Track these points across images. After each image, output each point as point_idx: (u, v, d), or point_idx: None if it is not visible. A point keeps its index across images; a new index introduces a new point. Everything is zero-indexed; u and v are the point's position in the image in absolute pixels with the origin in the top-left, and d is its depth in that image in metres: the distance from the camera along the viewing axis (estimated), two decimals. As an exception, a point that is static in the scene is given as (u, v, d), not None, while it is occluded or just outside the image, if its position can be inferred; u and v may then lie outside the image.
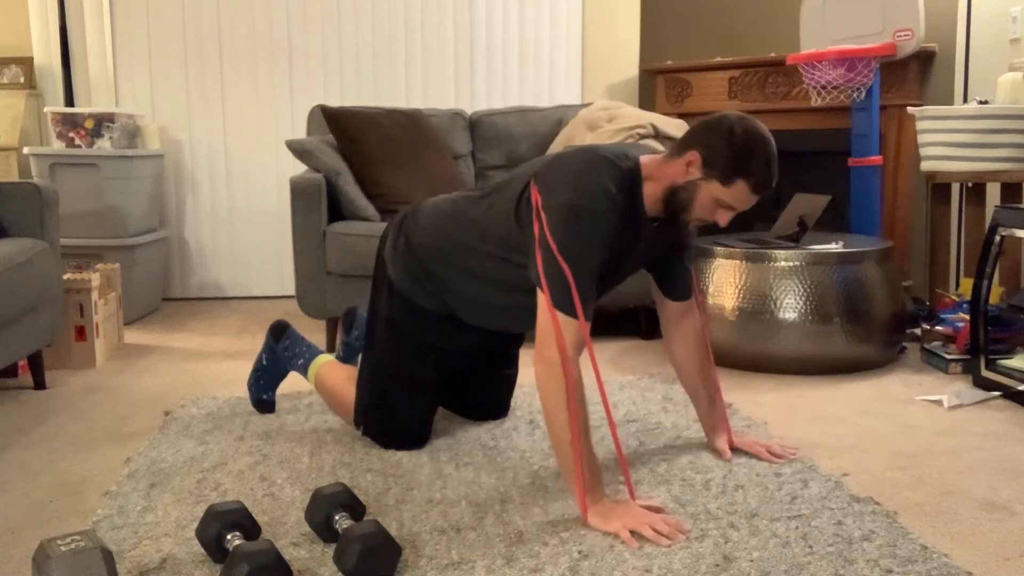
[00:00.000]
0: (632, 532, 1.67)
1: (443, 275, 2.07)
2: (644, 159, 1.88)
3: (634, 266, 2.03)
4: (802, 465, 2.06)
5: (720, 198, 1.82)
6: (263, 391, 2.48)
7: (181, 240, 4.40)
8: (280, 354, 2.45)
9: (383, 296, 2.18)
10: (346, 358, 2.57)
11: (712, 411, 2.17)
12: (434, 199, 2.17)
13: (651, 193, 1.87)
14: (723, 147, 1.77)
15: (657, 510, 1.77)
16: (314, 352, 2.42)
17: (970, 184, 3.35)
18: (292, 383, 2.77)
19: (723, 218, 1.86)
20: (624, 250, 1.90)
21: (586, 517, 1.73)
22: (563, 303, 1.75)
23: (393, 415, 2.19)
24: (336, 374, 2.35)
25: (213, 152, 4.37)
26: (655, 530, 1.67)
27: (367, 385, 2.20)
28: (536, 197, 1.83)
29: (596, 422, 2.38)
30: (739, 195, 1.81)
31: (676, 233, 1.97)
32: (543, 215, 1.80)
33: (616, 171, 1.83)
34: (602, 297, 1.96)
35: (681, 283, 2.10)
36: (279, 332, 2.46)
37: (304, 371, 2.40)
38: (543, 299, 1.78)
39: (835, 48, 3.54)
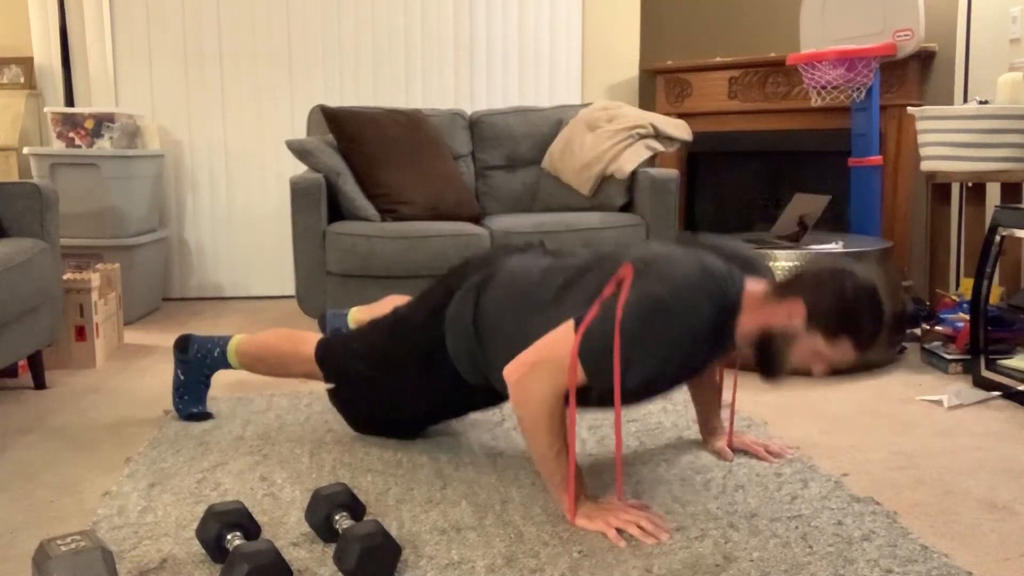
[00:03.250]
0: (619, 530, 1.69)
1: (499, 359, 1.92)
2: (748, 287, 1.78)
3: (692, 376, 1.94)
4: (802, 465, 2.06)
5: (821, 352, 1.70)
6: (192, 405, 2.43)
7: (181, 240, 4.40)
8: (194, 360, 2.39)
9: (426, 337, 2.08)
10: None
11: (712, 415, 2.17)
12: (510, 267, 2.03)
13: (746, 327, 1.76)
14: (831, 303, 1.66)
15: (642, 508, 1.77)
16: (225, 338, 2.39)
17: (970, 184, 3.35)
18: (293, 383, 2.77)
19: (819, 370, 1.74)
20: (695, 367, 1.84)
21: (573, 519, 1.75)
22: (590, 360, 1.68)
23: (387, 429, 2.24)
24: (257, 338, 2.34)
25: (213, 152, 4.36)
26: (640, 527, 1.69)
27: (366, 395, 2.20)
28: (627, 273, 1.72)
29: (597, 422, 2.38)
30: (842, 351, 1.69)
31: (767, 375, 1.81)
32: (625, 288, 1.69)
33: (720, 297, 1.72)
34: (649, 401, 1.88)
35: None
36: (184, 343, 2.40)
37: (224, 357, 2.36)
38: (563, 336, 1.72)
39: (835, 48, 3.54)
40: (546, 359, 1.74)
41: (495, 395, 2.10)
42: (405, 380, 2.12)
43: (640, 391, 1.79)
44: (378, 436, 2.28)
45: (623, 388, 1.70)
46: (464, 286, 2.05)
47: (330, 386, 2.24)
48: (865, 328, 1.68)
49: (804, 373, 2.81)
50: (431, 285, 2.17)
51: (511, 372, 1.78)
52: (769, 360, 1.76)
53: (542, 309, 1.86)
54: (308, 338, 2.28)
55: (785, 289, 1.73)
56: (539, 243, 2.21)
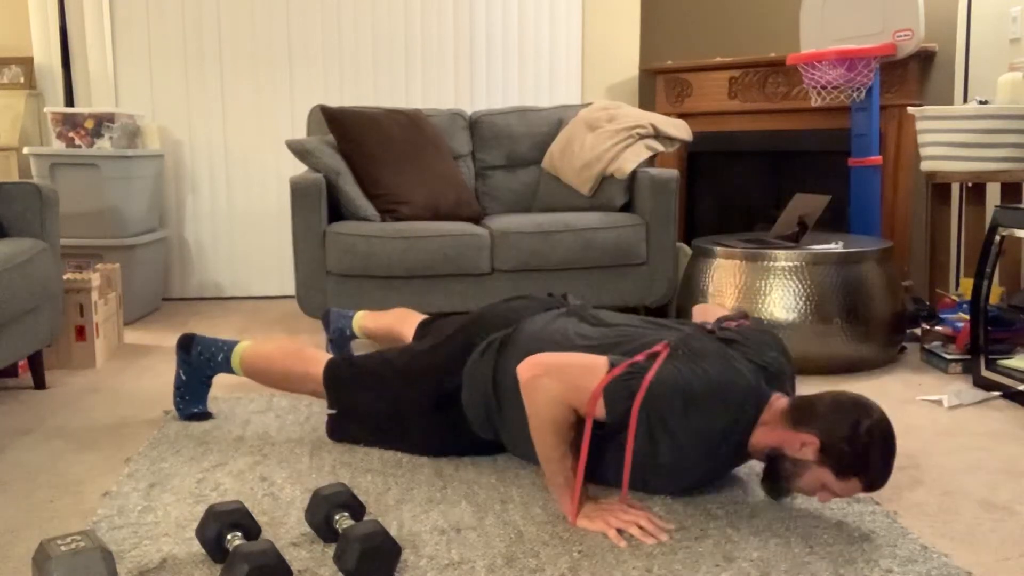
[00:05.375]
0: (619, 531, 1.69)
1: (513, 413, 1.95)
2: (770, 402, 1.79)
3: (700, 481, 1.94)
4: (802, 465, 2.06)
5: (828, 485, 1.71)
6: (192, 406, 2.43)
7: (181, 240, 4.40)
8: (196, 361, 2.39)
9: (441, 386, 2.08)
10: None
11: None
12: (536, 328, 2.03)
13: (759, 440, 1.77)
14: (844, 442, 1.67)
15: (642, 509, 1.78)
16: (231, 343, 2.38)
17: (970, 184, 3.35)
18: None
19: (824, 499, 1.74)
20: (709, 469, 1.85)
21: (575, 519, 1.75)
22: (613, 398, 1.72)
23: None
24: (263, 350, 2.34)
25: (213, 152, 4.36)
26: (640, 527, 1.69)
27: (370, 430, 2.19)
28: (663, 350, 1.77)
29: (596, 422, 2.38)
30: (850, 488, 1.70)
31: (771, 491, 1.85)
32: (657, 361, 1.74)
33: (739, 413, 1.75)
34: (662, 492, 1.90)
35: None
36: (188, 343, 2.40)
37: (228, 363, 2.36)
38: (592, 363, 1.76)
39: (835, 48, 3.54)
40: (566, 368, 1.76)
41: (499, 446, 2.11)
42: (412, 422, 2.13)
43: (668, 476, 1.82)
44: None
45: (655, 463, 1.74)
46: (485, 341, 2.06)
47: (332, 412, 2.23)
48: (875, 469, 1.69)
49: (809, 371, 2.83)
50: (450, 332, 2.17)
51: (525, 369, 1.78)
52: (776, 479, 1.78)
53: None
54: (316, 358, 2.26)
55: (801, 417, 1.73)
56: (562, 297, 2.22)
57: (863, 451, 1.67)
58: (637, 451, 1.74)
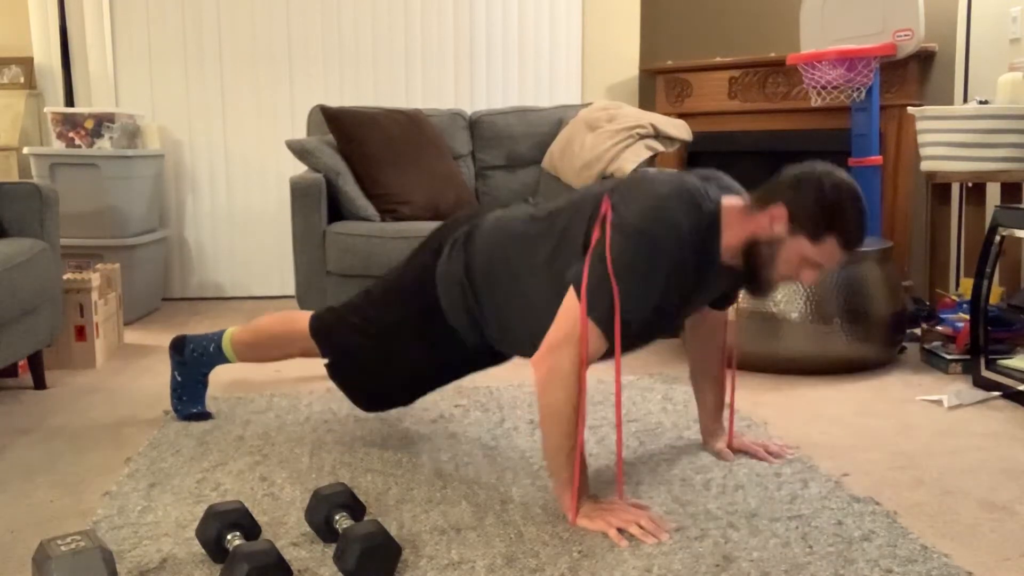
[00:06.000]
0: (619, 530, 1.69)
1: (491, 302, 1.95)
2: (726, 202, 1.77)
3: (694, 309, 1.94)
4: (802, 465, 2.06)
5: (808, 255, 1.71)
6: (190, 406, 2.43)
7: (181, 240, 4.40)
8: (191, 359, 2.39)
9: (420, 299, 2.06)
10: None
11: (714, 416, 2.17)
12: (495, 217, 2.02)
13: (730, 242, 1.76)
14: (811, 202, 1.68)
15: (642, 508, 1.77)
16: (219, 332, 2.38)
17: (970, 184, 3.35)
18: (293, 383, 2.77)
19: (808, 276, 1.74)
20: (688, 293, 1.81)
21: (575, 518, 1.74)
22: (600, 314, 1.68)
23: (388, 399, 2.21)
24: (249, 325, 2.35)
25: (213, 152, 4.37)
26: (640, 527, 1.69)
27: (365, 366, 2.15)
28: (607, 209, 1.73)
29: (597, 422, 2.38)
30: (828, 252, 1.71)
31: (756, 289, 1.83)
32: (608, 229, 1.70)
33: (695, 211, 1.72)
34: (652, 341, 1.89)
35: (723, 300, 2.08)
36: (180, 344, 2.40)
37: (220, 351, 2.36)
38: (573, 305, 1.71)
39: (835, 48, 3.54)
40: (563, 337, 1.72)
41: (495, 354, 2.09)
42: (403, 346, 2.10)
43: (647, 325, 1.78)
44: (380, 410, 2.27)
45: (631, 323, 1.70)
46: (450, 241, 2.04)
47: (327, 361, 2.20)
48: (849, 222, 1.69)
49: (809, 371, 2.83)
50: (416, 248, 2.16)
51: (538, 362, 1.75)
52: (757, 272, 1.76)
53: (536, 269, 1.86)
54: (300, 316, 2.27)
55: (764, 197, 1.73)
56: (523, 199, 2.19)
57: (832, 205, 1.68)
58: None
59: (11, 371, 2.85)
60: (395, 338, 2.10)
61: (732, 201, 1.79)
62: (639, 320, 1.72)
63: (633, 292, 1.68)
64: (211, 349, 2.36)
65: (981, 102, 3.19)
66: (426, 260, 2.08)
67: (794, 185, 1.72)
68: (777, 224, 1.70)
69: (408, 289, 2.10)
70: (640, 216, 1.70)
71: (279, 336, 2.29)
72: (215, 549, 1.58)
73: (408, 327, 2.08)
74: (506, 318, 1.92)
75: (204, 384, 2.45)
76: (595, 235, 1.73)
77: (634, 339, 1.79)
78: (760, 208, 1.73)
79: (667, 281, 1.71)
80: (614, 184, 1.83)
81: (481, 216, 2.06)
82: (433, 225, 3.41)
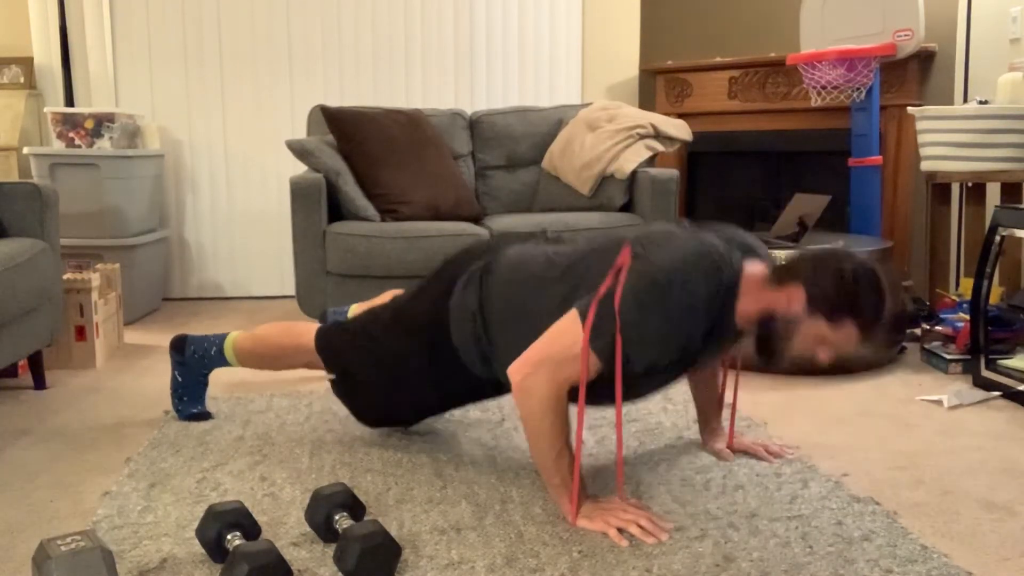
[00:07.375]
0: (620, 530, 1.69)
1: (503, 339, 1.94)
2: (747, 270, 1.76)
3: (699, 366, 1.92)
4: (802, 465, 2.06)
5: (824, 337, 1.68)
6: (191, 406, 2.43)
7: (181, 240, 4.40)
8: (191, 360, 2.38)
9: (430, 331, 2.06)
10: None
11: (713, 416, 2.17)
12: (514, 254, 2.00)
13: (745, 310, 1.75)
14: (831, 286, 1.65)
15: (642, 508, 1.78)
16: (222, 336, 2.38)
17: (970, 184, 3.35)
18: (293, 383, 2.77)
19: (824, 355, 1.71)
20: (694, 352, 1.80)
21: (575, 519, 1.75)
22: (601, 345, 1.69)
23: (391, 419, 2.25)
24: (257, 334, 2.34)
25: (213, 152, 4.36)
26: (640, 527, 1.69)
27: (369, 388, 2.17)
28: (626, 258, 1.72)
29: (597, 422, 2.38)
30: (846, 335, 1.68)
31: (767, 359, 1.81)
32: (623, 274, 1.70)
33: (715, 277, 1.70)
34: (650, 394, 1.89)
35: None
36: (180, 344, 2.39)
37: (221, 355, 2.35)
38: (565, 328, 1.72)
39: (835, 48, 3.54)
40: (552, 355, 1.73)
41: (500, 386, 2.08)
42: (409, 373, 2.10)
43: (644, 378, 1.78)
44: (382, 427, 2.29)
45: (629, 374, 1.70)
46: (466, 274, 2.03)
47: (331, 377, 2.22)
48: (867, 308, 1.67)
49: (809, 371, 2.83)
50: (429, 276, 2.15)
51: (516, 371, 1.76)
52: (770, 344, 1.75)
53: (552, 311, 1.84)
54: (307, 329, 2.26)
55: (784, 274, 1.72)
56: (541, 232, 2.19)
57: (851, 291, 1.65)
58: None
59: (11, 371, 2.85)
60: (403, 366, 2.11)
61: (754, 268, 1.77)
62: (640, 368, 1.72)
63: (634, 340, 1.68)
64: (212, 352, 2.36)
65: (981, 102, 3.19)
66: (439, 291, 2.07)
67: (814, 267, 1.69)
68: (795, 304, 1.69)
69: (418, 317, 2.09)
70: (659, 268, 1.69)
71: (284, 348, 2.28)
72: (215, 549, 1.58)
73: (416, 357, 2.08)
74: (517, 355, 1.88)
75: (204, 384, 2.45)
76: (609, 278, 1.72)
77: (635, 385, 1.79)
78: (779, 285, 1.71)
79: (669, 336, 1.71)
80: (636, 234, 1.81)
81: (499, 251, 2.05)
82: (433, 225, 3.43)
